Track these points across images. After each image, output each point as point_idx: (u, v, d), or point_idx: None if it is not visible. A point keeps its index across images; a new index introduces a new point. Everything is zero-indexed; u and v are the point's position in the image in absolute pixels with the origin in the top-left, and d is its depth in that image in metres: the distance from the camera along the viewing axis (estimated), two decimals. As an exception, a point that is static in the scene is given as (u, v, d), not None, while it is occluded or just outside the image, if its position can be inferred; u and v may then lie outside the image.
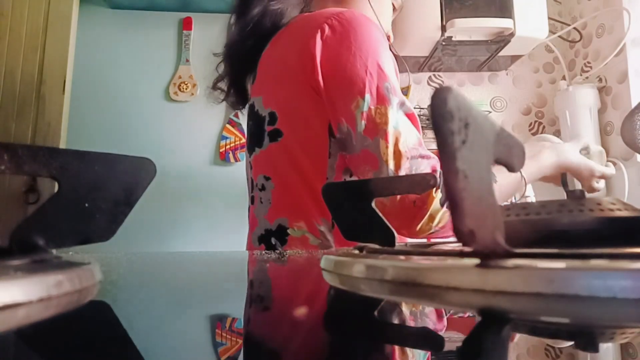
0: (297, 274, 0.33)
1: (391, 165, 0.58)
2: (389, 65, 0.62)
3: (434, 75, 1.59)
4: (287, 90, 0.66)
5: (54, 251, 0.25)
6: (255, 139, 0.71)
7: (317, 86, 0.62)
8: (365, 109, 0.58)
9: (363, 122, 0.58)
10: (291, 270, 0.35)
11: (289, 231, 0.65)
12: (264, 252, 0.69)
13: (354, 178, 0.66)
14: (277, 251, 0.65)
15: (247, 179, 0.79)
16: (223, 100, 0.81)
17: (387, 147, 0.58)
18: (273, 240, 0.67)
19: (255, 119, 0.71)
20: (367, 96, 0.58)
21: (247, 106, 0.76)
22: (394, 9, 0.82)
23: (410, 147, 0.59)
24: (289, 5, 0.73)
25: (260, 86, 0.72)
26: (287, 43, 0.68)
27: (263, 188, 0.69)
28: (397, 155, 0.58)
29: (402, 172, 0.58)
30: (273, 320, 0.18)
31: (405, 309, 0.19)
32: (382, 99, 0.59)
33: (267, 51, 0.72)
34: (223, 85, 0.84)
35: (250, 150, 0.73)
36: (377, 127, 0.58)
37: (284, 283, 0.29)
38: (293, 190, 0.65)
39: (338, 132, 0.62)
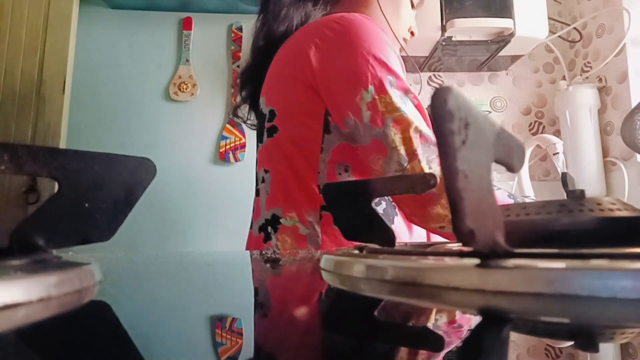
0: (298, 274, 0.33)
1: (402, 151, 0.58)
2: (393, 58, 0.63)
3: (434, 75, 1.59)
4: (285, 89, 0.69)
5: (54, 251, 0.24)
6: (259, 136, 0.76)
7: (315, 84, 0.64)
8: (370, 99, 0.60)
9: (368, 113, 0.60)
10: (293, 270, 0.35)
11: (281, 220, 0.68)
12: (265, 252, 0.69)
13: (349, 173, 0.67)
14: (270, 242, 0.68)
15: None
16: (245, 122, 0.87)
17: (395, 134, 0.59)
18: (269, 229, 0.69)
19: (259, 117, 0.76)
20: (371, 87, 0.60)
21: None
22: (413, 5, 0.82)
23: (424, 133, 0.59)
24: (292, 24, 0.75)
25: (266, 87, 0.76)
26: (289, 46, 0.72)
27: (263, 180, 0.73)
28: (408, 141, 0.59)
29: (420, 157, 0.58)
30: (273, 320, 0.18)
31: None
32: (385, 89, 0.60)
33: (276, 55, 0.75)
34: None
35: (257, 147, 0.78)
36: (383, 116, 0.59)
37: (285, 283, 0.29)
38: (286, 182, 0.69)
39: (345, 126, 0.63)
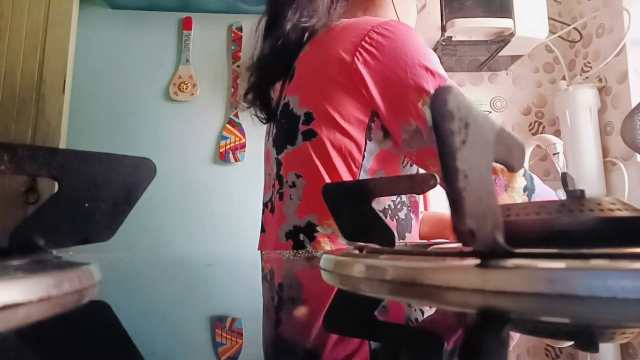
0: (298, 274, 0.33)
1: None
2: (440, 64, 0.65)
3: (434, 75, 1.59)
4: (327, 93, 0.67)
5: (54, 251, 0.24)
6: (287, 137, 0.72)
7: (366, 92, 0.64)
8: None
9: None
10: (292, 271, 0.35)
11: (318, 228, 0.66)
12: (265, 252, 0.69)
13: None
14: (305, 250, 0.66)
15: (266, 176, 0.79)
16: (248, 108, 0.82)
17: None
18: (301, 237, 0.67)
19: (289, 117, 0.72)
20: (432, 93, 0.60)
21: (281, 104, 0.76)
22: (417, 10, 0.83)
23: None
24: (319, 20, 0.73)
25: (297, 86, 0.72)
26: (330, 47, 0.69)
27: (293, 185, 0.70)
28: None
29: None
30: (273, 320, 0.18)
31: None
32: None
33: (307, 52, 0.73)
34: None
35: (280, 148, 0.73)
36: None
37: (285, 283, 0.29)
38: None
39: (403, 132, 0.63)
